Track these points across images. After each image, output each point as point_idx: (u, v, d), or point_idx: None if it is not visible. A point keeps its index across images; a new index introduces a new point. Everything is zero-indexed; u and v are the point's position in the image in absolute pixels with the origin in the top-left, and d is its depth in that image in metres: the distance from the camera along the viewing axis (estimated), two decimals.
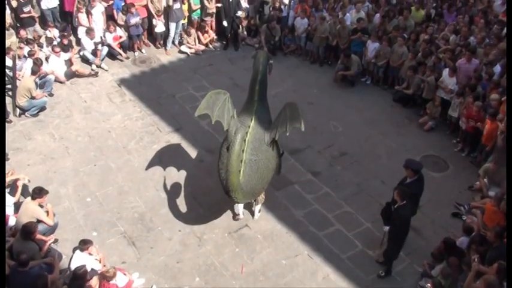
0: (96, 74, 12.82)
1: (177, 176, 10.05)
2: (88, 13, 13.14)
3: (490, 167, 9.46)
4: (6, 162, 9.86)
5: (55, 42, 12.50)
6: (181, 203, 9.47)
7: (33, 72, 11.23)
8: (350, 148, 10.98)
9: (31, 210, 8.06)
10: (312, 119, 11.71)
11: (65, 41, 12.56)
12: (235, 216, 9.22)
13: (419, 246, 8.74)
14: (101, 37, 13.19)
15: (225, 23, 14.27)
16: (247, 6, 14.81)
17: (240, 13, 14.43)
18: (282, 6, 14.64)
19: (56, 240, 8.40)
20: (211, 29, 14.68)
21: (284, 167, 10.30)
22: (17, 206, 8.46)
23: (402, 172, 9.08)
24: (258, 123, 8.30)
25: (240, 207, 9.10)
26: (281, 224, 9.16)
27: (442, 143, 11.29)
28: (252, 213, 9.28)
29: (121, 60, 13.57)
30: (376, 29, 13.10)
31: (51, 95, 11.97)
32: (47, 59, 12.30)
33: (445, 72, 11.39)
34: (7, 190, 8.67)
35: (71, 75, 12.55)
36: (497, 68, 11.10)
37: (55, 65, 12.27)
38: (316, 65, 14.06)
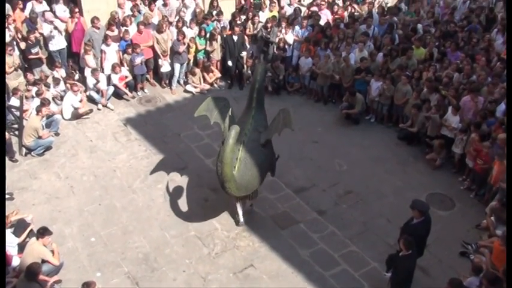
0: (91, 111, 12.95)
1: (181, 215, 10.01)
2: (102, 52, 13.41)
3: (496, 206, 9.38)
4: (11, 201, 9.89)
5: (62, 84, 12.75)
6: (186, 243, 9.41)
7: (38, 112, 11.33)
8: (355, 186, 10.94)
9: (37, 251, 8.01)
10: (316, 157, 11.74)
11: (72, 76, 12.93)
12: (237, 223, 9.79)
13: (427, 286, 8.60)
14: (108, 76, 13.39)
15: (229, 63, 14.47)
16: (250, 46, 15.02)
17: (244, 54, 14.64)
18: (286, 46, 14.85)
19: (59, 281, 8.33)
20: (216, 68, 14.87)
21: (289, 205, 10.35)
22: (21, 247, 8.42)
23: (408, 210, 9.02)
24: (255, 126, 9.26)
25: (240, 213, 9.68)
26: (287, 263, 9.05)
27: (448, 180, 11.22)
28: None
29: (127, 100, 13.71)
30: (379, 67, 13.23)
31: (57, 134, 12.07)
32: (53, 99, 12.49)
33: (449, 110, 11.46)
34: (11, 230, 8.65)
35: (78, 115, 12.68)
36: (502, 106, 11.13)
37: (71, 101, 12.52)
38: (321, 103, 14.16)
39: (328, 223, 9.96)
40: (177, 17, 14.60)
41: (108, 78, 13.48)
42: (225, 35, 14.38)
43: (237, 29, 14.35)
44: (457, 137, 11.10)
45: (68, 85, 12.75)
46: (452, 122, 11.33)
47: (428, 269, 8.93)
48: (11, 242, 8.38)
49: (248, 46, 14.88)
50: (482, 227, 9.71)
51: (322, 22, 15.42)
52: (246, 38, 14.80)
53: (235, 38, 14.28)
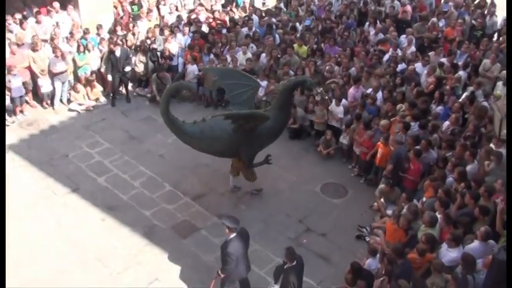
0: None
1: (78, 239, 9.58)
2: None
3: (384, 188, 9.92)
4: None
5: None
6: (86, 267, 9.01)
7: None
8: (252, 186, 11.05)
9: None
10: (211, 162, 11.70)
11: None
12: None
13: (330, 274, 8.91)
14: None
15: (109, 78, 13.98)
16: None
17: (128, 68, 14.22)
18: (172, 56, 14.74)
19: None
20: (106, 82, 14.36)
21: (189, 214, 10.29)
22: None
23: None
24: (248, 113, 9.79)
25: (231, 180, 10.87)
26: (192, 272, 8.98)
27: (340, 169, 11.70)
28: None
29: (6, 125, 12.89)
30: (263, 67, 13.53)
31: None
32: None
33: (333, 102, 11.96)
34: None
35: None
36: (379, 95, 11.81)
37: None
38: (211, 108, 14.20)
39: None
40: (52, 33, 13.98)
41: None
42: (106, 49, 14.02)
43: (115, 45, 13.86)
44: (343, 128, 11.62)
45: None
46: (338, 113, 11.83)
47: (329, 256, 9.26)
48: None
49: (133, 59, 14.55)
50: (374, 209, 10.23)
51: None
52: (129, 51, 14.43)
53: (117, 53, 13.82)
